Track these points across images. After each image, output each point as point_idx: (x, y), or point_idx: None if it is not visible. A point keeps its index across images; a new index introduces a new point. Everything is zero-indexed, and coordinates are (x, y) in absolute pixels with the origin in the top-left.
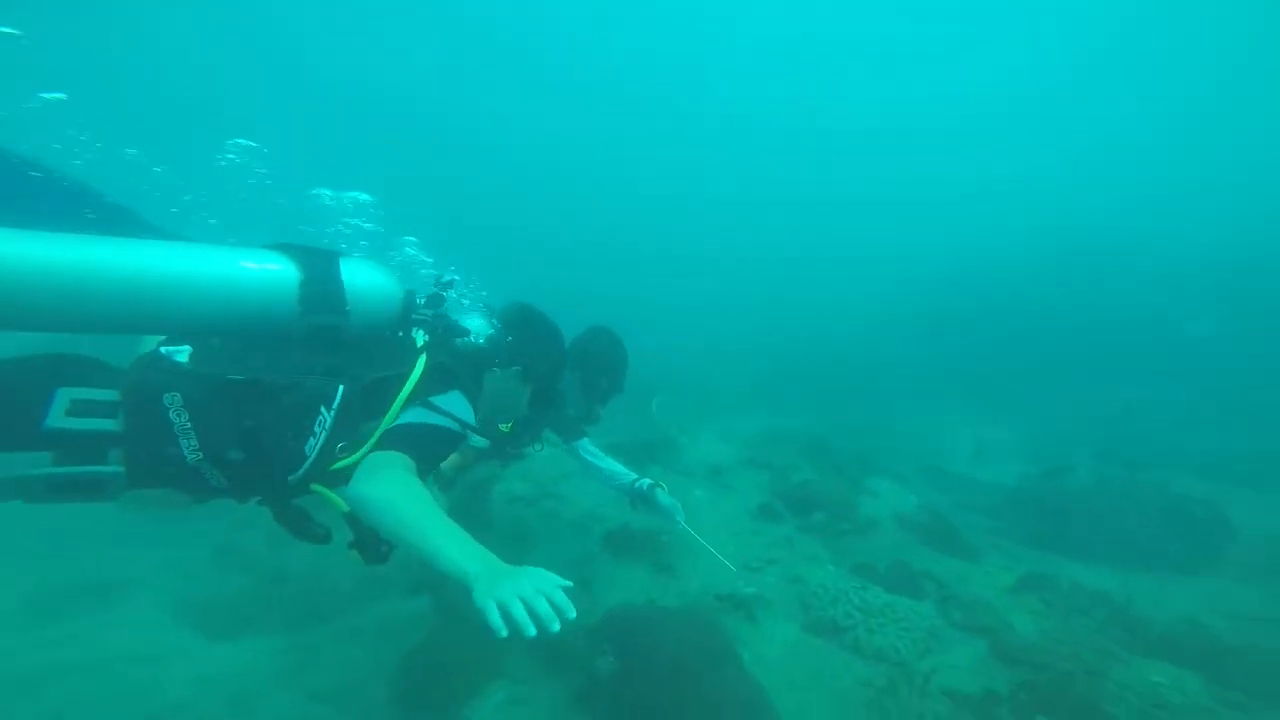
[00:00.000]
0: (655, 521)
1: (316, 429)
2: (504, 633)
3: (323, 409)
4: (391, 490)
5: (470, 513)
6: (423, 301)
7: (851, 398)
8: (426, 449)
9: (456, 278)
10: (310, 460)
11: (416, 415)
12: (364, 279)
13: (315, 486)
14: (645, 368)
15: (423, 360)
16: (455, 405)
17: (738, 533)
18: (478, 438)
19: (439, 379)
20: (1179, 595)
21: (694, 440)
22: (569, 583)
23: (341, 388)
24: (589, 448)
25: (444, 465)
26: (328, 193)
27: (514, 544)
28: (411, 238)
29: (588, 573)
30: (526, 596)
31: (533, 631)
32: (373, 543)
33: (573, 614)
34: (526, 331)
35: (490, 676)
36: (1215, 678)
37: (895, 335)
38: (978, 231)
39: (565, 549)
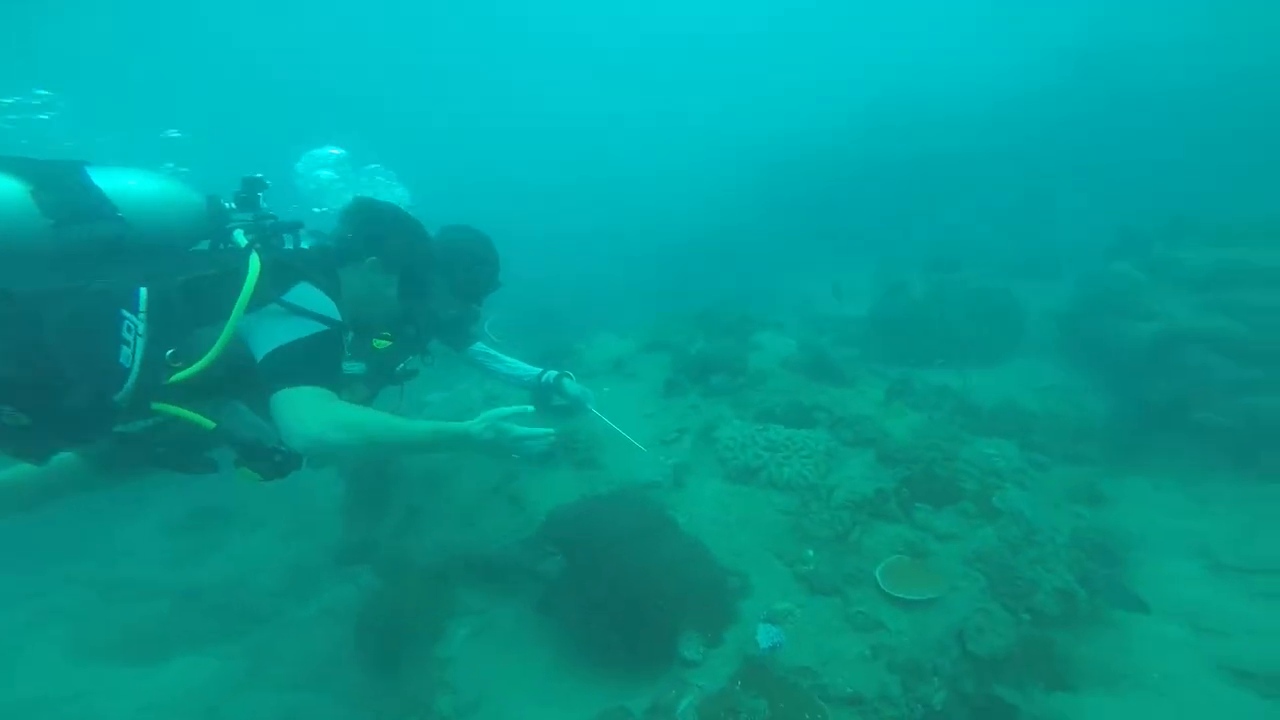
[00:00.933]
0: (565, 415)
1: (126, 335)
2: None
3: (125, 313)
4: (334, 427)
5: (381, 469)
6: (232, 205)
7: (724, 276)
8: (319, 367)
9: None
10: (135, 373)
11: (278, 330)
12: (135, 185)
13: (162, 406)
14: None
15: (256, 257)
16: (310, 299)
17: (650, 413)
18: (353, 364)
19: (280, 276)
20: (998, 378)
21: (590, 344)
22: (530, 408)
23: (144, 290)
24: (484, 350)
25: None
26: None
27: (431, 485)
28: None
29: (515, 489)
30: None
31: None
32: (263, 454)
33: (550, 430)
34: (375, 220)
35: (449, 615)
36: (1026, 443)
37: (746, 218)
38: (798, 119)
39: (486, 475)
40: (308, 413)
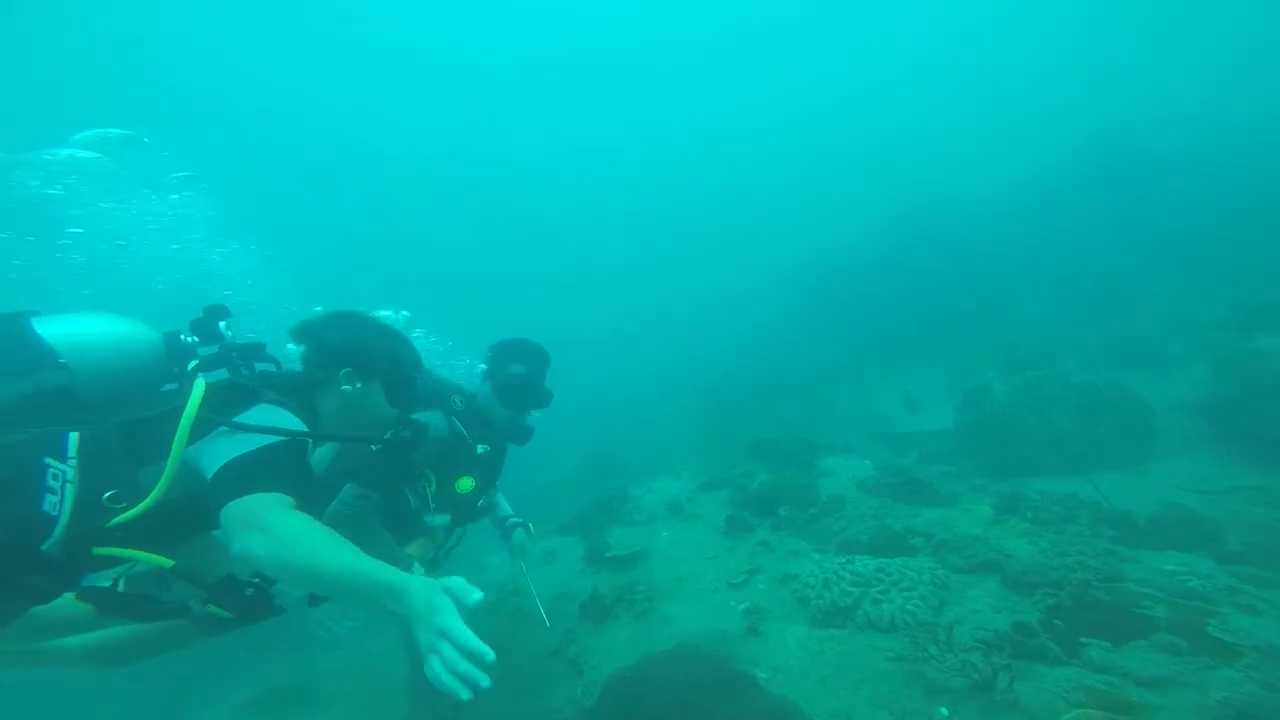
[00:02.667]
0: (621, 566)
1: (51, 483)
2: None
3: (49, 460)
4: (268, 540)
5: None
6: (193, 339)
7: (779, 401)
8: (274, 474)
9: (228, 301)
10: (64, 520)
11: (227, 447)
12: (80, 329)
13: (106, 550)
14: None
15: (200, 383)
16: (270, 417)
17: (713, 555)
18: (438, 517)
19: (235, 399)
20: (1140, 480)
21: (648, 488)
22: (480, 594)
23: (74, 435)
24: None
25: (420, 551)
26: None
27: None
28: None
29: (573, 652)
30: (451, 662)
31: (467, 698)
32: (232, 590)
33: (491, 656)
34: (330, 330)
35: None
36: (1222, 556)
37: (794, 339)
38: (832, 219)
39: (545, 638)
40: (245, 521)
